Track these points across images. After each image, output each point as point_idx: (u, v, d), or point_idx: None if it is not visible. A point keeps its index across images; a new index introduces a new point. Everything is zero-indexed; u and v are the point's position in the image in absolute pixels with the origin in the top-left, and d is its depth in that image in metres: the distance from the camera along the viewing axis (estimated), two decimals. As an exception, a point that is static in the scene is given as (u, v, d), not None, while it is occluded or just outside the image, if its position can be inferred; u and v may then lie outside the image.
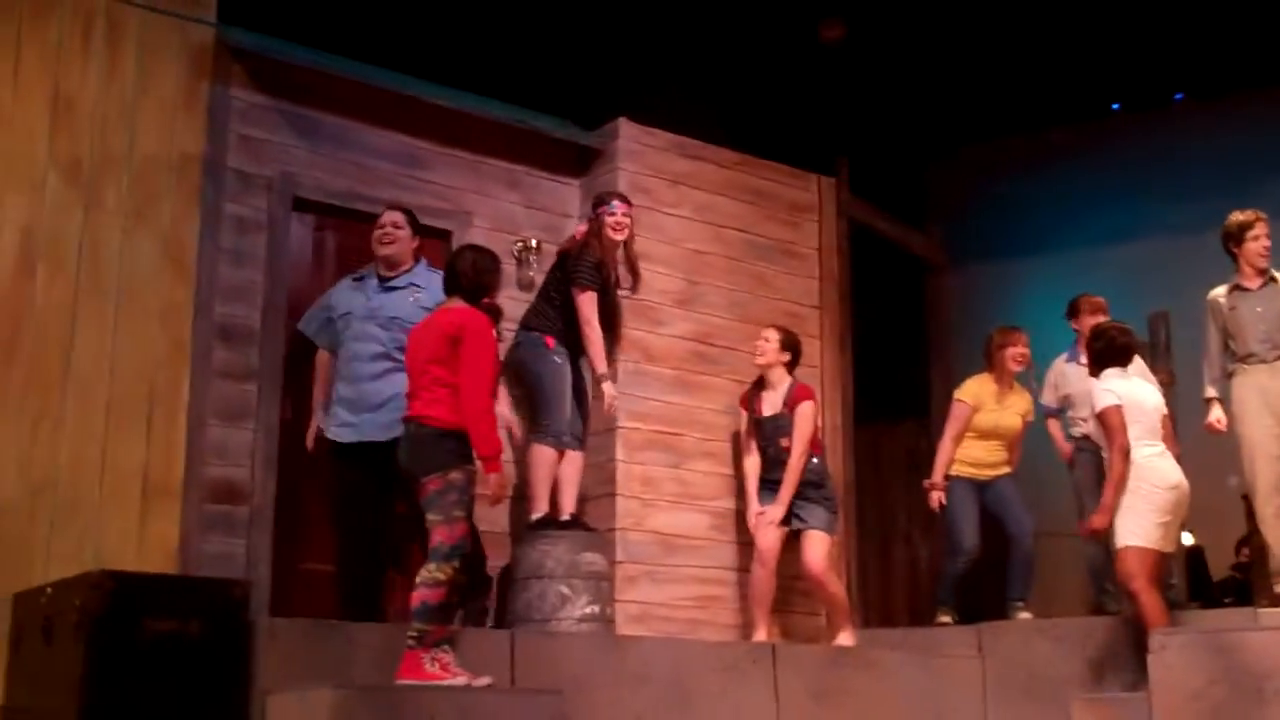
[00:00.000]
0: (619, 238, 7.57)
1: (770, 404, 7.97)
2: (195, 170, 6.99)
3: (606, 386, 7.38)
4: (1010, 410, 8.44)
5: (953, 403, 8.48)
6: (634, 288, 7.77)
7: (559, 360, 7.38)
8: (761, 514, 7.83)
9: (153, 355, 6.72)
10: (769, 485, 7.88)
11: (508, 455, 7.64)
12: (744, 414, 8.05)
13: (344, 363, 6.90)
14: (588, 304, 7.39)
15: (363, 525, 6.75)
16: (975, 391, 8.45)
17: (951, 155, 11.27)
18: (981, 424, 8.37)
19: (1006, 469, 8.43)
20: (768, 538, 7.77)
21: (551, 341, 7.42)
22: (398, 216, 7.06)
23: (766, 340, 8.01)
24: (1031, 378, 8.58)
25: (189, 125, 7.00)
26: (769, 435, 7.91)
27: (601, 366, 7.39)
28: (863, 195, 9.63)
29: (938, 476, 8.34)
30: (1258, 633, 6.52)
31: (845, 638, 7.79)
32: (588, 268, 7.45)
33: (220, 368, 7.03)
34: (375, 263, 7.07)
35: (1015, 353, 8.44)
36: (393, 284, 6.96)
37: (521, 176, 8.22)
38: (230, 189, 7.19)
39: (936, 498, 8.31)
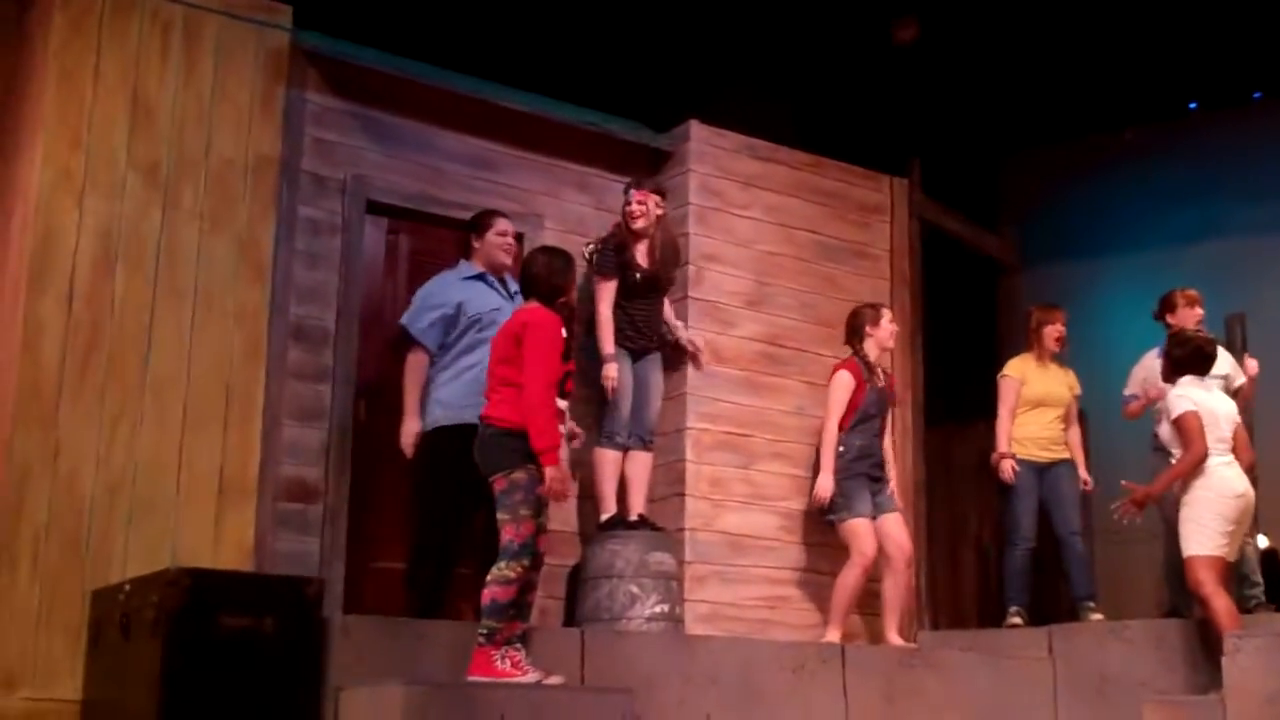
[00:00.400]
0: (636, 225, 7.63)
1: (882, 381, 8.06)
2: (271, 173, 7.07)
3: (606, 368, 7.45)
4: (1056, 381, 8.45)
5: (999, 381, 8.49)
6: (665, 273, 7.76)
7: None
8: (893, 493, 7.97)
9: (228, 356, 6.81)
10: (863, 464, 7.82)
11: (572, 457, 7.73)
12: (849, 377, 7.91)
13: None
14: (600, 288, 7.54)
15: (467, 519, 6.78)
16: (1018, 366, 8.52)
17: (1025, 155, 11.20)
18: (1030, 395, 8.39)
19: (1064, 451, 8.40)
20: (872, 540, 7.74)
21: None
22: (512, 226, 7.27)
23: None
24: (1065, 360, 8.61)
25: (264, 129, 7.09)
26: (883, 407, 7.99)
27: (606, 349, 7.46)
28: (935, 195, 9.59)
29: (1003, 447, 8.34)
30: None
31: (897, 636, 7.78)
32: (606, 255, 7.60)
33: (295, 368, 7.12)
34: (474, 265, 7.12)
35: (1053, 330, 8.50)
36: (516, 291, 7.02)
37: (592, 179, 8.26)
38: (305, 192, 7.28)
39: (1008, 466, 8.29)
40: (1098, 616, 8.03)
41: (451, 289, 7.04)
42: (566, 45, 8.61)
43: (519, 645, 5.81)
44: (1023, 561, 8.27)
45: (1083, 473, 8.47)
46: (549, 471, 5.82)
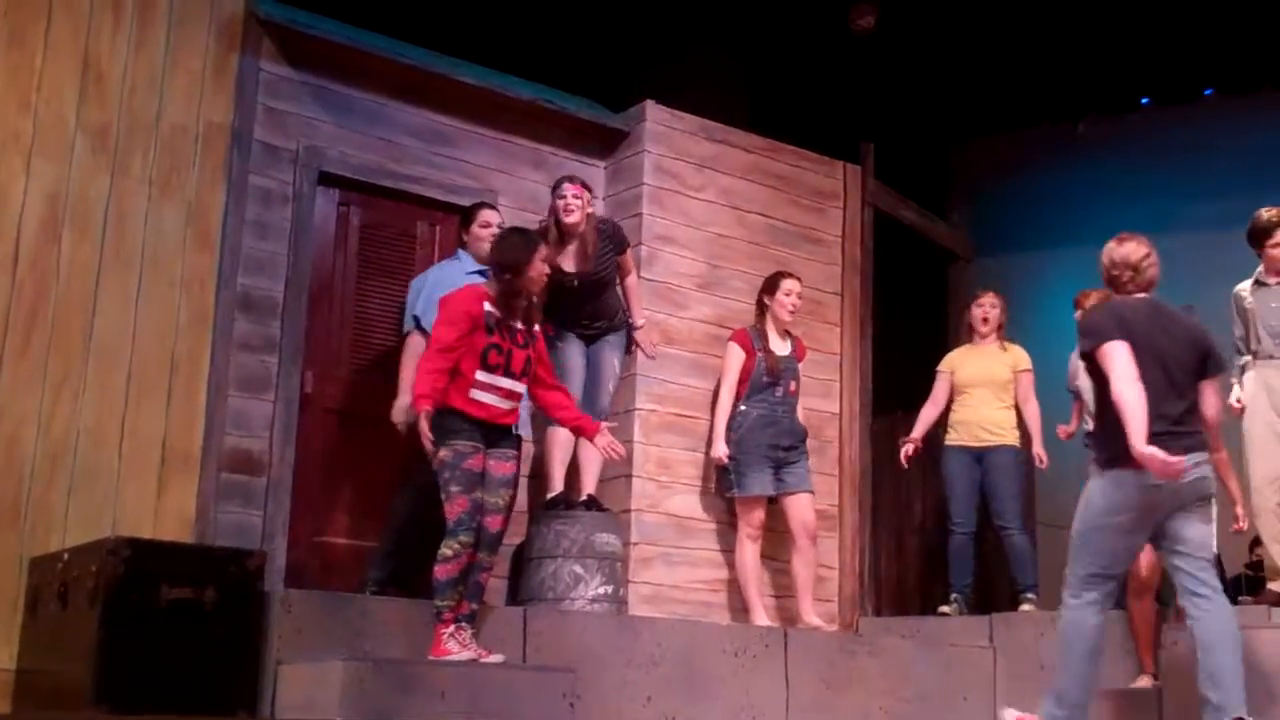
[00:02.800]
0: (569, 219, 7.38)
1: (785, 349, 8.09)
2: (222, 141, 7.02)
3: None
4: (991, 362, 8.46)
5: None
6: (598, 274, 7.51)
7: (560, 344, 7.45)
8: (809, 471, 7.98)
9: (174, 324, 6.76)
10: (762, 434, 7.83)
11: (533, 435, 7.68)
12: (734, 346, 7.98)
13: None
14: None
15: None
16: (949, 359, 8.63)
17: (977, 143, 11.24)
18: (961, 380, 8.48)
19: (1006, 437, 8.40)
20: (758, 516, 7.84)
21: (550, 328, 7.45)
22: (498, 216, 7.25)
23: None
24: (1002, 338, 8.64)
25: (217, 96, 7.03)
26: (782, 376, 7.95)
27: None
28: (887, 180, 9.61)
29: (915, 433, 8.46)
30: (1270, 630, 6.54)
31: (813, 616, 7.82)
32: None
33: (241, 339, 7.05)
34: (471, 258, 7.13)
35: (977, 311, 8.60)
36: None
37: (547, 156, 8.22)
38: (256, 161, 7.21)
39: (907, 448, 8.41)
40: (1028, 608, 8.06)
41: (458, 282, 6.88)
42: (524, 22, 8.58)
43: (465, 624, 5.81)
44: (959, 546, 8.32)
45: (1037, 448, 8.38)
46: (418, 421, 5.87)
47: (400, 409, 6.90)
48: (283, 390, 7.14)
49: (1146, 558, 6.96)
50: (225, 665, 5.49)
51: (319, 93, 7.48)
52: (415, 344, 6.96)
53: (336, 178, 7.53)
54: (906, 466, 8.49)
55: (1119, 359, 5.69)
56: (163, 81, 6.88)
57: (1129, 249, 6.11)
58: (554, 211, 7.44)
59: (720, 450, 7.85)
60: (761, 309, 8.12)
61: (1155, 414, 5.63)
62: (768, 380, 7.91)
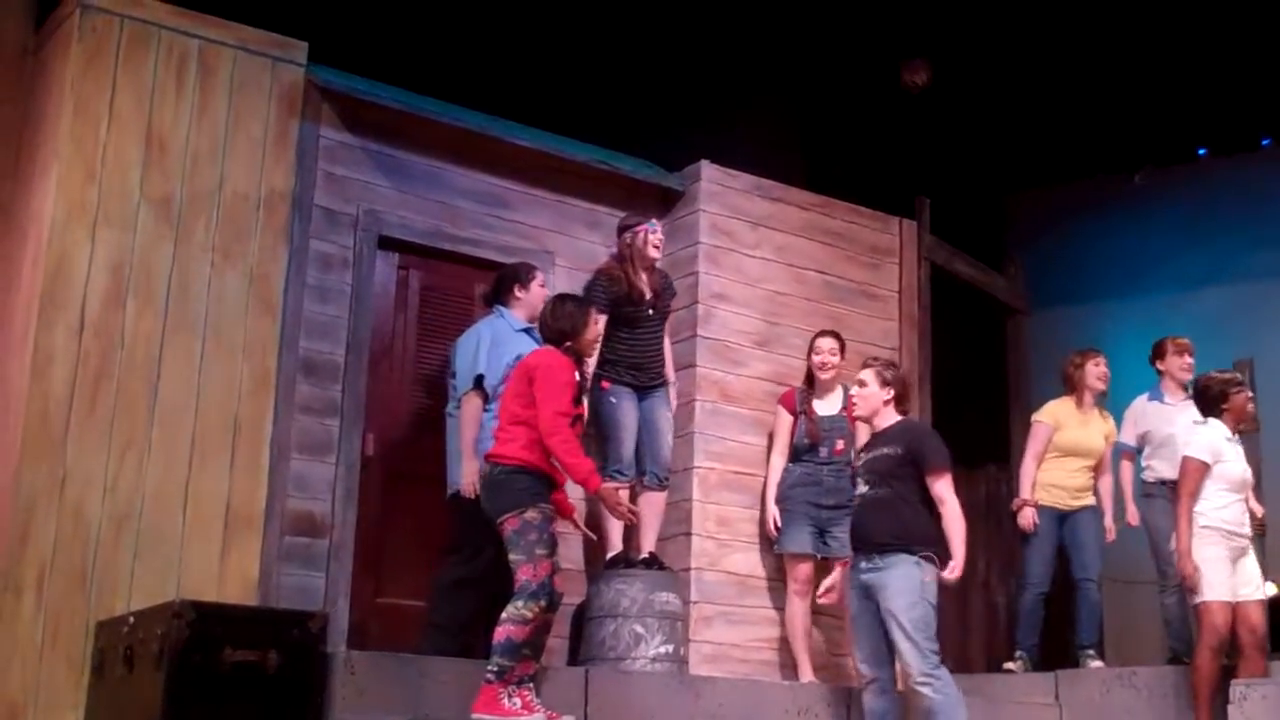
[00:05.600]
0: (657, 257, 7.70)
1: (833, 408, 7.99)
2: (283, 207, 7.11)
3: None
4: (1093, 430, 8.36)
5: (1032, 425, 8.40)
6: (666, 302, 7.81)
7: (613, 400, 7.49)
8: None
9: (237, 388, 6.83)
10: (804, 492, 7.81)
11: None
12: (781, 409, 7.98)
13: None
14: None
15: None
16: (1054, 412, 8.40)
17: (1033, 196, 11.22)
18: (1063, 442, 8.28)
19: (1090, 499, 8.33)
20: (802, 573, 7.77)
21: (606, 384, 7.51)
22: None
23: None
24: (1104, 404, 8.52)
25: (278, 163, 7.12)
26: (824, 438, 7.88)
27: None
28: (943, 235, 9.59)
29: (1025, 493, 8.24)
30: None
31: None
32: (597, 289, 7.56)
33: (303, 402, 7.12)
34: (518, 316, 7.13)
35: (1099, 372, 8.39)
36: None
37: (603, 217, 8.25)
38: (317, 226, 7.30)
39: (1029, 515, 8.20)
40: (1098, 664, 7.99)
41: (514, 340, 6.97)
42: (578, 83, 8.65)
43: (530, 684, 5.80)
44: (1032, 606, 8.20)
45: (1108, 521, 8.35)
46: (603, 493, 6.05)
47: (470, 472, 6.78)
48: (344, 453, 7.19)
49: (1225, 616, 6.87)
50: (289, 728, 5.52)
51: (377, 158, 7.57)
52: (476, 405, 6.94)
53: (396, 241, 7.61)
54: (1033, 530, 8.29)
55: None
56: (224, 150, 6.99)
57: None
58: (642, 244, 7.64)
59: (768, 513, 7.88)
60: (809, 371, 8.10)
61: None
62: (809, 442, 7.88)
